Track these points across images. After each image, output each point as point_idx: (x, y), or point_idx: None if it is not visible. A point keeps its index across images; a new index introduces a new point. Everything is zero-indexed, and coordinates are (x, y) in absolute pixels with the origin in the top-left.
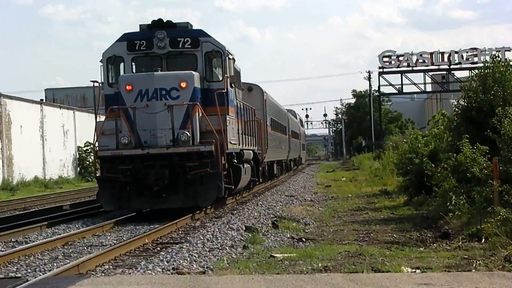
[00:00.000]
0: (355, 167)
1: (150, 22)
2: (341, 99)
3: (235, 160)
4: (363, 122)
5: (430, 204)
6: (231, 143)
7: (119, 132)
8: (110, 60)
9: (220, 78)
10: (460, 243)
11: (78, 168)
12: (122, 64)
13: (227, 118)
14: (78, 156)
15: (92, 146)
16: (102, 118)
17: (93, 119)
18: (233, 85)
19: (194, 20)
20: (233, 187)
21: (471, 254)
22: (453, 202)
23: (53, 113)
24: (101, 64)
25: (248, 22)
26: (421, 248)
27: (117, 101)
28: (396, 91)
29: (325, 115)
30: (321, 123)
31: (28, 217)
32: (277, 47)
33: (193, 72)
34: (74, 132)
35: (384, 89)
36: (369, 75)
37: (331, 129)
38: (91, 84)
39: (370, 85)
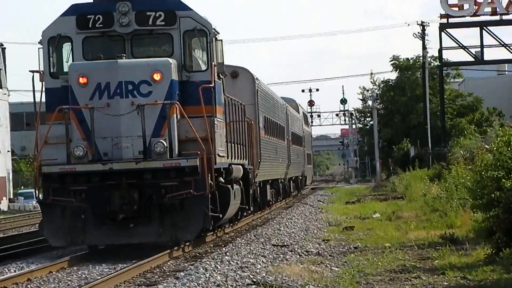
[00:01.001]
0: (398, 195)
1: None
2: (371, 73)
3: (222, 179)
4: (411, 114)
5: None
6: (219, 155)
7: (70, 140)
8: (53, 42)
9: (204, 67)
10: None
11: None
12: (69, 47)
13: (215, 122)
14: None
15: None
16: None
17: None
18: (220, 75)
19: None
20: (220, 215)
21: None
22: None
23: None
24: (41, 46)
25: None
26: None
27: (65, 98)
28: (472, 58)
29: (343, 101)
30: (336, 115)
31: None
32: None
33: (170, 60)
34: None
35: (450, 55)
36: (423, 30)
37: (353, 125)
38: None
39: (424, 47)
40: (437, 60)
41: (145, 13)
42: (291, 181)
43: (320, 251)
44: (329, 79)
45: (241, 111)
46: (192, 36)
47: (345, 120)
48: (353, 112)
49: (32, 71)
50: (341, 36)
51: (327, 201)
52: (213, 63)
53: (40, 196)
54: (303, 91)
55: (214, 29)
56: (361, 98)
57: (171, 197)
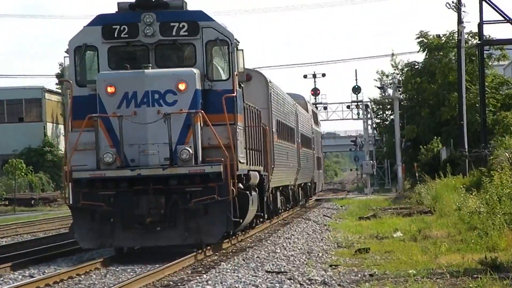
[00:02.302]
0: (425, 209)
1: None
2: (392, 54)
3: (241, 185)
4: (443, 106)
5: None
6: (240, 162)
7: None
8: (79, 51)
9: (226, 76)
10: None
11: None
12: (95, 57)
13: (237, 130)
14: None
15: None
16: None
17: None
18: (241, 84)
19: None
20: (240, 220)
21: None
22: None
23: None
24: (67, 55)
25: None
26: None
27: (92, 106)
28: None
29: (356, 89)
30: (347, 107)
31: None
32: None
33: (194, 70)
34: None
35: (493, 31)
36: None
37: (369, 120)
38: None
39: (460, 20)
40: (476, 37)
41: (169, 24)
42: (300, 188)
43: (326, 280)
44: (338, 62)
45: (257, 117)
46: (214, 46)
47: (358, 114)
48: (368, 103)
49: (61, 80)
50: (352, 7)
51: (335, 216)
52: (234, 72)
53: (69, 200)
54: (305, 76)
55: (235, 39)
56: (379, 86)
57: (196, 202)
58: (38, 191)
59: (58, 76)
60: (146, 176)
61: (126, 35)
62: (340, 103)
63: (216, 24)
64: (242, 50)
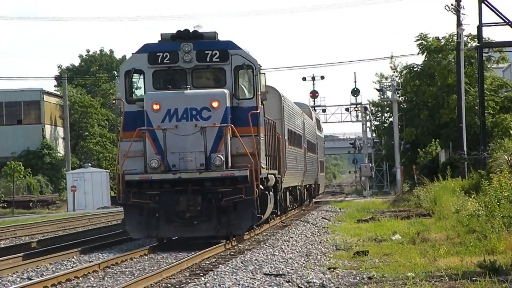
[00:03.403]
0: (424, 211)
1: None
2: (391, 56)
3: (262, 187)
4: (442, 108)
5: None
6: (262, 167)
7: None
8: (129, 74)
9: (250, 95)
10: None
11: None
12: (142, 79)
13: (260, 140)
14: None
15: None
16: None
17: None
18: (263, 102)
19: None
20: (261, 216)
21: None
22: None
23: None
24: (118, 78)
25: None
26: None
27: (140, 120)
28: None
29: (355, 91)
30: (346, 109)
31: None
32: None
33: (225, 91)
34: None
35: (492, 34)
36: (458, 1)
37: (367, 123)
38: None
39: (459, 23)
40: (475, 39)
41: (204, 52)
42: (305, 189)
43: (324, 282)
44: (337, 64)
45: (273, 128)
46: (241, 70)
47: (357, 116)
48: (367, 106)
49: (115, 99)
50: (352, 9)
51: (333, 218)
52: (258, 92)
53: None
54: (304, 79)
55: (259, 64)
56: (378, 88)
57: (227, 200)
58: (37, 194)
59: (57, 78)
60: (186, 179)
61: (168, 61)
62: (339, 105)
63: (243, 52)
64: (264, 73)
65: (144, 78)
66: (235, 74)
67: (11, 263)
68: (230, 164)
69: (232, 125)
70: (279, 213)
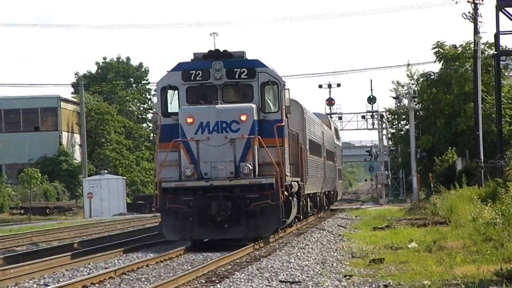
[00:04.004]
0: (440, 219)
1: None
2: (408, 64)
3: (286, 193)
4: (459, 116)
5: None
6: (286, 175)
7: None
8: (165, 90)
9: (275, 109)
10: None
11: None
12: (176, 94)
13: (284, 150)
14: None
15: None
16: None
17: None
18: (287, 115)
19: None
20: (286, 220)
21: None
22: None
23: None
24: (155, 93)
25: None
26: None
27: (175, 132)
28: None
29: (371, 99)
30: (362, 117)
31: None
32: None
33: (253, 105)
34: None
35: (509, 41)
36: (475, 9)
37: (384, 130)
38: None
39: (476, 31)
40: (492, 47)
41: (233, 70)
42: (324, 196)
43: None
44: (353, 71)
45: (296, 138)
46: (267, 86)
47: (373, 124)
48: (383, 113)
49: (153, 113)
50: (368, 16)
51: (349, 226)
52: (282, 106)
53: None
54: (320, 86)
55: (283, 81)
56: (394, 96)
57: (254, 206)
58: (53, 200)
59: (74, 85)
60: (217, 186)
61: (200, 78)
62: (355, 113)
63: (269, 69)
64: (288, 89)
65: (178, 94)
66: (261, 90)
67: (27, 270)
68: (257, 173)
69: (259, 137)
70: (301, 218)
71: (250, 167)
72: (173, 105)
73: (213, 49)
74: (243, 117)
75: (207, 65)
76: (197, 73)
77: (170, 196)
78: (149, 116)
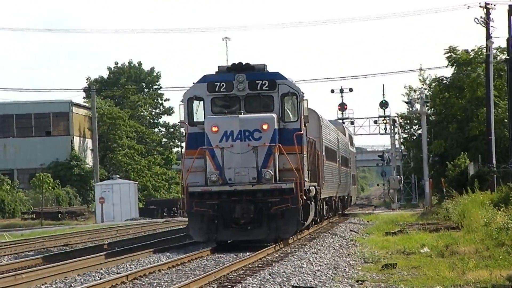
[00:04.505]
0: (452, 224)
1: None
2: (420, 69)
3: (305, 197)
4: (471, 121)
5: None
6: (305, 180)
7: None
8: (191, 101)
9: (294, 119)
10: None
11: None
12: (201, 104)
13: (303, 157)
14: None
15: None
16: None
17: None
18: (305, 124)
19: None
20: (305, 222)
21: None
22: None
23: None
24: (182, 104)
25: None
26: None
27: (201, 140)
28: None
29: (383, 104)
30: (374, 122)
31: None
32: None
33: (273, 115)
34: None
35: None
36: (487, 14)
37: (396, 135)
38: None
39: (488, 35)
40: (505, 52)
41: (255, 82)
42: (339, 200)
43: None
44: (365, 76)
45: (313, 146)
46: (286, 97)
47: (385, 129)
48: (396, 118)
49: (180, 122)
50: (381, 21)
51: (362, 231)
52: (301, 116)
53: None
54: (332, 91)
55: (302, 92)
56: (406, 100)
57: (275, 209)
58: (65, 205)
59: (85, 90)
60: (240, 190)
61: (224, 89)
62: (368, 118)
63: (288, 81)
64: (307, 100)
65: (203, 104)
66: (281, 100)
67: (39, 274)
68: (278, 178)
69: (280, 145)
70: (318, 220)
71: (271, 173)
72: (198, 115)
73: (236, 62)
74: (265, 126)
75: (230, 77)
76: (221, 84)
77: (196, 200)
78: (161, 121)
